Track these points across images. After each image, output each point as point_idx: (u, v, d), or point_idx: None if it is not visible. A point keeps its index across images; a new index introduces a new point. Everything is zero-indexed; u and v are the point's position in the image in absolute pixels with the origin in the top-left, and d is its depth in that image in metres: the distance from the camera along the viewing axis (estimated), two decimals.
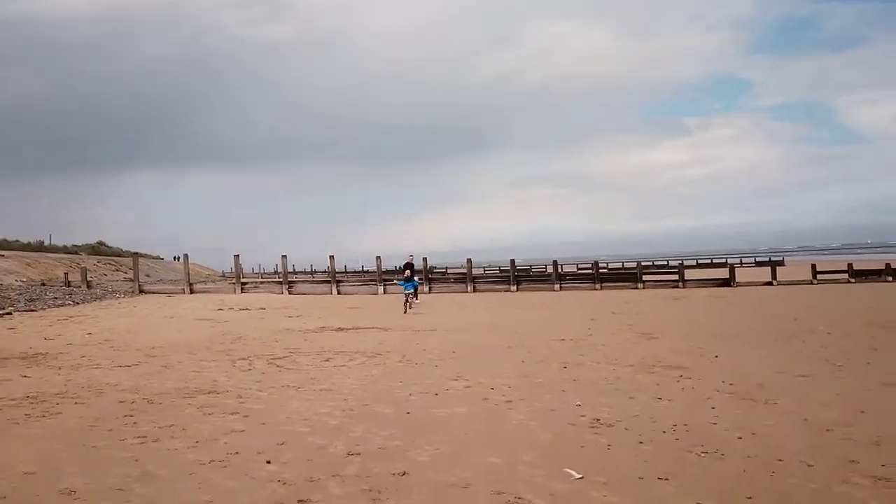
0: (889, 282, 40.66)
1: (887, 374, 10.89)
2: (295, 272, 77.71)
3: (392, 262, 55.06)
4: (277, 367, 12.94)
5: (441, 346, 15.50)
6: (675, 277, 41.32)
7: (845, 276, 41.71)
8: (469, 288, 41.92)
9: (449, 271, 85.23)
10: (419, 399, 9.74)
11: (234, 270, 44.70)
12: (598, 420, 8.23)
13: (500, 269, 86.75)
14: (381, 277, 43.06)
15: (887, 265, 42.61)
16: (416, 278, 29.29)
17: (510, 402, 9.42)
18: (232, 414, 8.92)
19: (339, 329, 19.77)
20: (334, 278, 42.74)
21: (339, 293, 40.63)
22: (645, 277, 41.54)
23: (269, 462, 6.76)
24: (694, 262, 79.12)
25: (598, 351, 14.31)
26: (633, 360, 12.86)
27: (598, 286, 40.49)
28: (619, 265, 78.99)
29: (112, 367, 13.08)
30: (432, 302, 32.46)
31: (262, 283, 47.73)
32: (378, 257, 44.41)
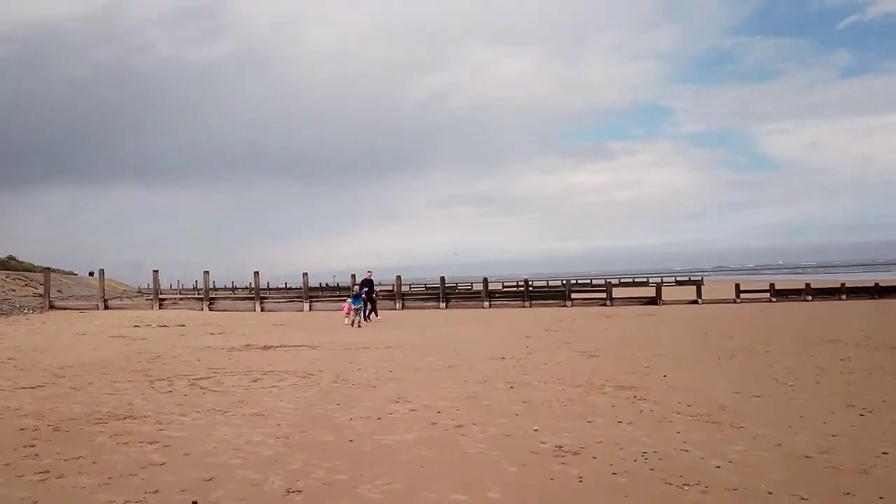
0: (808, 300, 41.96)
1: (844, 394, 10.68)
2: (216, 289, 74.98)
3: (320, 279, 53.64)
4: (201, 388, 11.83)
5: (376, 365, 14.64)
6: (604, 295, 41.56)
7: (767, 295, 42.82)
8: (398, 305, 41.04)
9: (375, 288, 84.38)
10: (361, 424, 8.88)
11: (151, 286, 42.44)
12: (560, 447, 7.58)
13: (426, 287, 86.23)
14: (308, 294, 41.71)
15: (807, 285, 44.03)
16: (364, 294, 28.19)
17: (461, 426, 8.69)
18: (150, 443, 7.87)
19: (267, 347, 18.61)
20: (258, 295, 41.12)
21: (262, 310, 39.07)
22: (573, 295, 41.62)
23: (195, 503, 5.81)
24: (617, 281, 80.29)
25: (542, 370, 13.75)
26: (580, 380, 12.34)
27: (527, 304, 40.31)
28: (544, 283, 79.69)
29: (14, 389, 11.69)
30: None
31: (181, 299, 45.53)
32: (305, 273, 43.06)
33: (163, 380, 12.71)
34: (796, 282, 50.44)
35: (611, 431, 8.34)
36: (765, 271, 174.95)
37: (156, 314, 34.30)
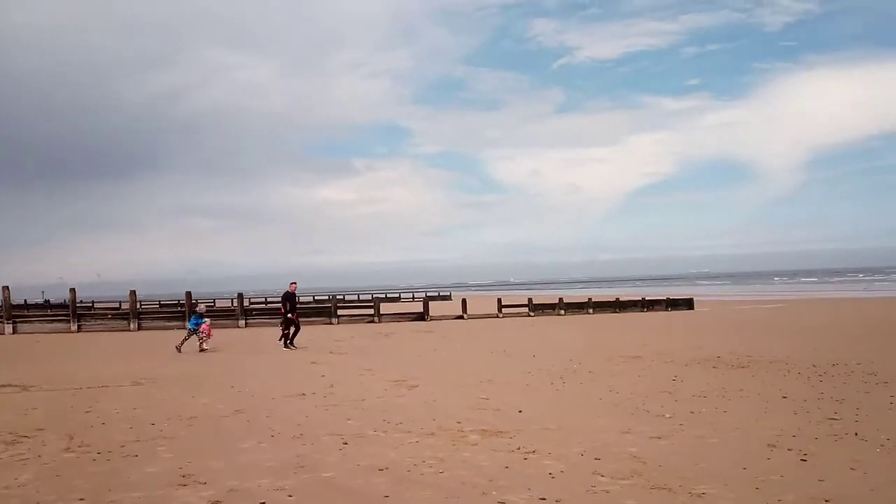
0: (562, 315, 43.15)
1: (756, 428, 8.88)
2: None
3: (26, 294, 44.54)
4: None
5: (125, 415, 10.38)
6: (371, 311, 39.02)
7: (526, 309, 43.38)
8: (132, 325, 34.79)
9: (96, 305, 73.58)
10: None
11: None
12: None
13: (160, 304, 77.34)
14: (10, 314, 33.79)
15: (560, 300, 45.50)
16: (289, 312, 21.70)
17: None
18: None
19: None
20: None
21: None
22: (340, 312, 38.51)
23: None
24: (370, 297, 77.96)
25: (362, 410, 10.57)
26: (422, 423, 9.39)
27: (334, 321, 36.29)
28: (310, 299, 75.26)
29: None
30: (85, 344, 25.50)
31: None
32: (5, 287, 34.85)
33: None
34: (551, 297, 52.27)
35: None
36: (496, 287, 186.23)
37: None
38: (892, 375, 12.83)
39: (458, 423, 9.47)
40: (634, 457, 7.50)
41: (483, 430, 8.99)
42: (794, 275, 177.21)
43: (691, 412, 9.98)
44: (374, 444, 8.26)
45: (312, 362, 17.83)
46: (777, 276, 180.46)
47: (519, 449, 7.91)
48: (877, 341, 19.85)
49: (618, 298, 49.52)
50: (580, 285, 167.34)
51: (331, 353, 20.32)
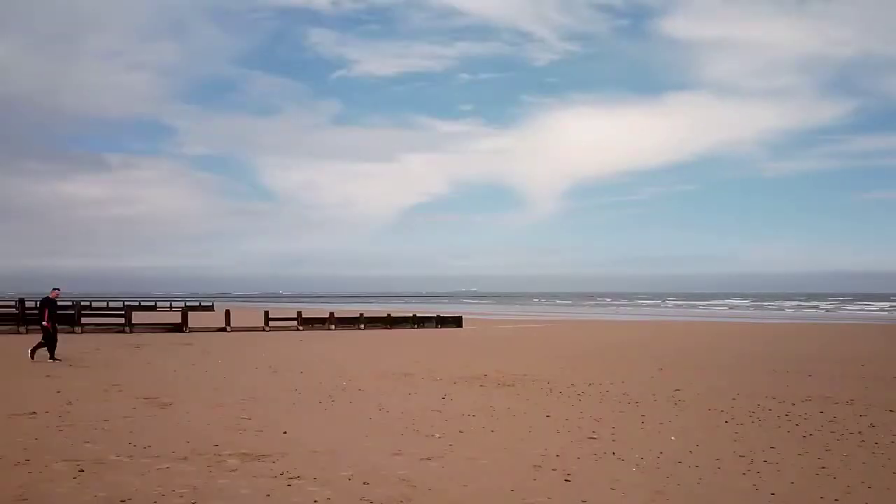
0: (332, 329, 42.58)
1: (503, 443, 9.01)
2: None
3: None
4: None
5: None
6: (122, 321, 35.59)
7: (294, 323, 42.22)
8: None
9: None
10: None
11: None
12: None
13: None
14: None
15: (331, 314, 44.84)
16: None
17: None
18: None
19: None
20: None
21: None
22: (84, 320, 34.67)
23: None
24: (115, 305, 70.34)
25: (105, 431, 9.32)
26: (174, 446, 8.44)
27: (23, 329, 31.98)
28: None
29: None
30: None
31: None
32: None
33: None
34: (321, 311, 51.32)
35: None
36: (264, 299, 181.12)
37: None
38: (641, 395, 13.93)
39: (216, 445, 8.61)
40: (404, 480, 7.23)
41: (243, 453, 8.24)
42: (552, 297, 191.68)
43: (461, 431, 9.98)
44: (117, 471, 7.20)
45: (47, 376, 15.66)
46: (537, 297, 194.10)
47: (283, 474, 7.31)
48: (625, 362, 21.68)
49: (389, 314, 49.95)
50: (352, 300, 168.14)
51: (71, 365, 18.01)
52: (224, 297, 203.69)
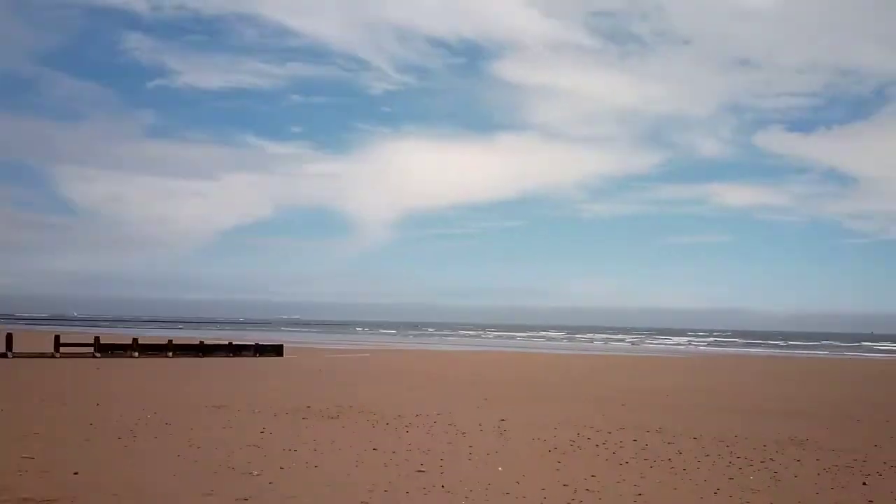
0: (136, 357, 39.36)
1: (327, 478, 8.41)
2: None
3: None
4: None
5: None
6: None
7: (91, 349, 38.51)
8: None
9: None
10: None
11: None
12: None
13: None
14: None
15: (135, 340, 41.47)
16: None
17: None
18: None
19: None
20: None
21: None
22: None
23: None
24: None
25: None
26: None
27: None
28: None
29: None
30: None
31: None
32: None
33: None
34: (124, 337, 47.35)
35: None
36: (55, 322, 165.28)
37: None
38: (468, 426, 13.83)
39: None
40: None
41: (24, 498, 7.04)
42: (377, 326, 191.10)
43: (281, 468, 9.25)
44: None
45: None
46: (361, 326, 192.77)
47: None
48: (451, 391, 21.68)
49: (202, 342, 47.05)
50: (160, 325, 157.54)
51: None
52: (6, 318, 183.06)
